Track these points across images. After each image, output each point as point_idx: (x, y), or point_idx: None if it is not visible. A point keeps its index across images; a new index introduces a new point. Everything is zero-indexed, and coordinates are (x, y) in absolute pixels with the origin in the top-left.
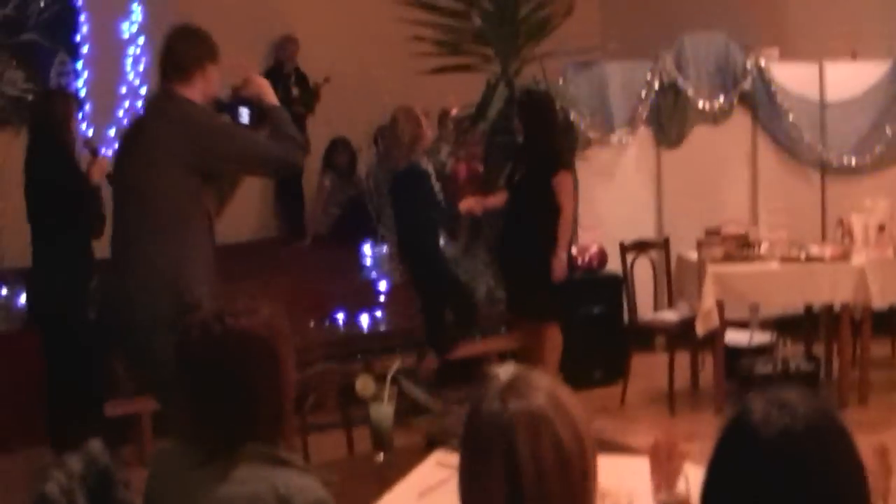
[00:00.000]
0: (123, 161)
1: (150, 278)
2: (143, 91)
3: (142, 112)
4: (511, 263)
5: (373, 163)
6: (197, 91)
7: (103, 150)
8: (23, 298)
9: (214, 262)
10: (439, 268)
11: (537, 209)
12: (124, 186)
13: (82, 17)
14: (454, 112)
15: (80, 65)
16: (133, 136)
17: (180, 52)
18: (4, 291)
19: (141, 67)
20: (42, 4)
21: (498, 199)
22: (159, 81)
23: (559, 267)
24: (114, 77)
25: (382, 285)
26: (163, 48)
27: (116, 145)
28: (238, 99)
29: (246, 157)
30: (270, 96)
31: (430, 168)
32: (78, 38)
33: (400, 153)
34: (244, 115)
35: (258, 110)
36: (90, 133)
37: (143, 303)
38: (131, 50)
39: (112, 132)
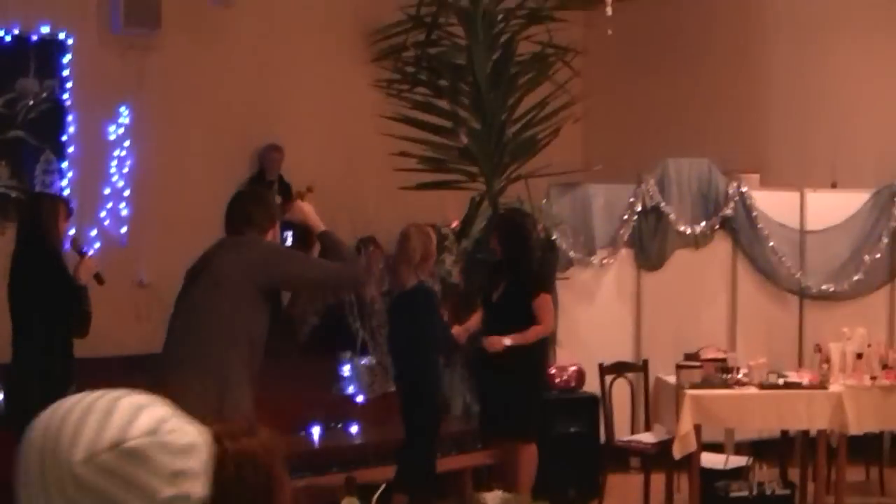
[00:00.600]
0: (190, 286)
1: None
2: (127, 193)
3: (211, 250)
4: (488, 381)
5: None
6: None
7: (88, 250)
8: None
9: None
10: (430, 394)
11: (515, 329)
12: (187, 308)
13: (70, 118)
14: (455, 225)
15: (65, 164)
16: (203, 265)
17: (256, 213)
18: None
19: (126, 170)
20: (31, 102)
21: (476, 321)
22: (228, 233)
23: (495, 342)
24: (98, 178)
25: (360, 398)
26: (237, 209)
27: (185, 278)
28: (284, 224)
29: (312, 277)
30: (316, 221)
31: (436, 287)
32: (64, 137)
33: (408, 271)
34: (288, 237)
35: (302, 234)
36: (72, 233)
37: None
38: (117, 152)
39: (94, 232)
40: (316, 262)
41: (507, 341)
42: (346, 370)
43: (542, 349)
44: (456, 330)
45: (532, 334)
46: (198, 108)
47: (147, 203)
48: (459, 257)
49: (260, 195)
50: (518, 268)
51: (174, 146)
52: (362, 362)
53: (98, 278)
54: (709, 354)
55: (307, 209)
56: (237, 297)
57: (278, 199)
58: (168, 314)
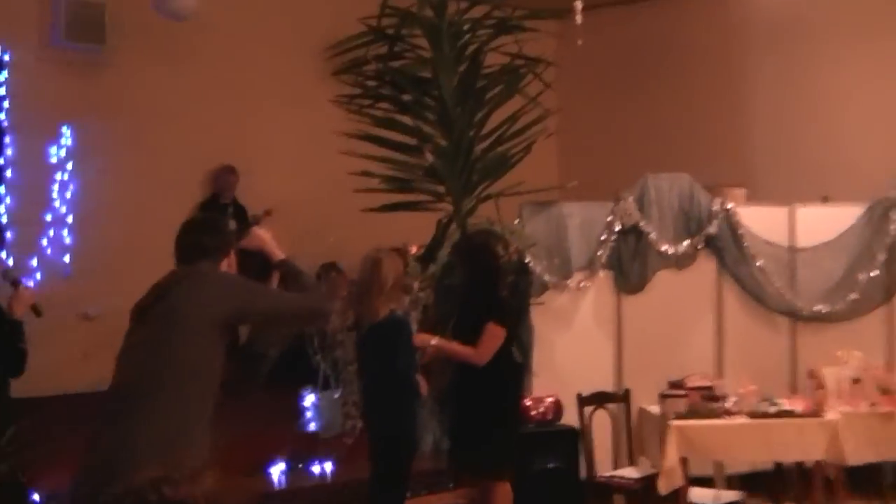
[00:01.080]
0: (139, 323)
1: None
2: (70, 220)
3: (162, 283)
4: (457, 416)
5: None
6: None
7: (25, 282)
8: None
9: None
10: (407, 437)
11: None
12: (136, 347)
13: (7, 139)
14: (413, 251)
15: (2, 189)
16: (153, 300)
17: (209, 242)
18: None
19: (68, 195)
20: None
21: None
22: (179, 263)
23: (421, 339)
24: (39, 204)
25: (324, 435)
26: (188, 238)
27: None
28: (240, 252)
29: (273, 310)
30: (274, 249)
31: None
32: (1, 160)
33: (380, 300)
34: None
35: (259, 263)
36: (10, 263)
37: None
38: (59, 175)
39: (35, 262)
40: (276, 293)
41: (434, 341)
42: (309, 405)
43: (516, 380)
44: (421, 336)
45: (460, 351)
46: (147, 129)
47: (92, 230)
48: (426, 283)
49: (213, 221)
50: (476, 295)
51: (121, 169)
52: (326, 397)
53: (35, 310)
54: (695, 382)
55: (264, 235)
56: (192, 334)
57: (233, 225)
58: (117, 349)
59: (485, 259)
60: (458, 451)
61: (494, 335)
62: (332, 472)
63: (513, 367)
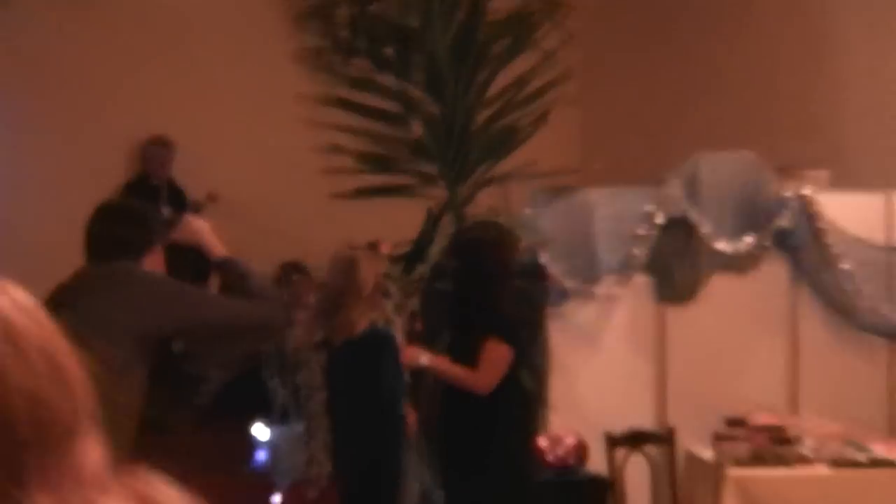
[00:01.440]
0: None
1: None
2: None
3: (68, 287)
4: (447, 461)
5: None
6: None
7: None
8: None
9: None
10: (394, 482)
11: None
12: None
13: None
14: (384, 249)
15: None
16: (57, 309)
17: (129, 233)
18: None
19: None
20: None
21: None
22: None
23: (410, 355)
24: None
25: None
26: (102, 228)
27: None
28: (171, 246)
29: (212, 324)
30: (214, 243)
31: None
32: None
33: (357, 310)
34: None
35: (195, 260)
36: None
37: None
38: None
39: None
40: (219, 301)
41: (425, 359)
42: (262, 443)
43: (526, 414)
44: (411, 351)
45: (459, 375)
46: (55, 89)
47: None
48: (413, 287)
49: (133, 208)
50: (471, 304)
51: (22, 140)
52: (284, 432)
53: None
54: (760, 420)
55: (201, 226)
56: (104, 356)
57: (166, 213)
58: None
59: (489, 258)
60: (452, 497)
61: (499, 356)
62: None
63: (521, 398)
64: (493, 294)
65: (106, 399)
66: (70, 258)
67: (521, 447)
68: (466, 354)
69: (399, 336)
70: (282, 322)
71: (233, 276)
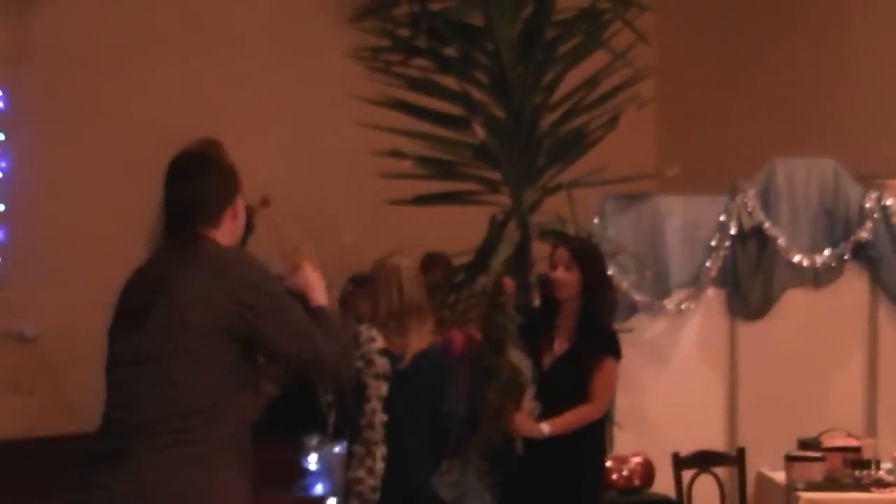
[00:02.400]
0: (132, 328)
1: None
2: (1, 209)
3: (151, 265)
4: (528, 480)
5: None
6: (226, 234)
7: None
8: None
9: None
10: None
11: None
12: (129, 363)
13: None
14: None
15: None
16: (145, 293)
17: (203, 189)
18: None
19: (0, 173)
20: None
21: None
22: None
23: (528, 426)
24: None
25: (332, 501)
26: (176, 189)
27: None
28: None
29: (296, 338)
30: (319, 294)
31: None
32: None
33: (421, 325)
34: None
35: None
36: None
37: None
38: None
39: None
40: (313, 328)
41: (546, 429)
42: (313, 462)
43: (598, 433)
44: (526, 424)
45: (579, 417)
46: (102, 91)
47: (29, 222)
48: (474, 300)
49: (212, 155)
50: (594, 320)
51: (68, 143)
52: (335, 451)
53: None
54: (835, 441)
55: (314, 277)
56: (211, 344)
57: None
58: (60, 379)
59: (606, 274)
60: None
61: (613, 374)
62: None
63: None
64: (607, 309)
65: (234, 397)
66: (122, 265)
67: (595, 467)
68: (580, 372)
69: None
70: (342, 366)
71: (323, 322)
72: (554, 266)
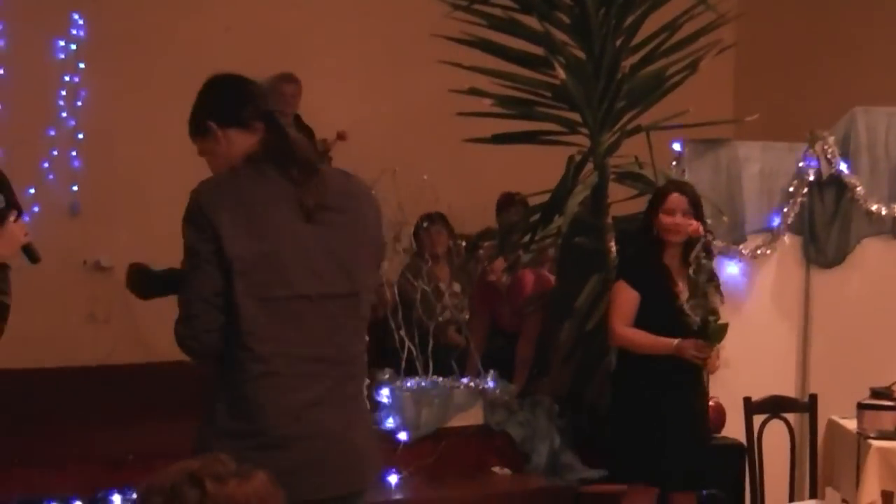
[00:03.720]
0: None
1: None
2: (80, 137)
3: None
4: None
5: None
6: None
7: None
8: None
9: None
10: None
11: None
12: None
13: None
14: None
15: None
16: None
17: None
18: None
19: (78, 103)
20: None
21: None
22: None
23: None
24: (39, 114)
25: (403, 436)
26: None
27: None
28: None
29: None
30: None
31: None
32: None
33: None
34: None
35: None
36: None
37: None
38: (66, 79)
39: (32, 192)
40: None
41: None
42: (384, 396)
43: None
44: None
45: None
46: (181, 26)
47: (108, 152)
48: (551, 240)
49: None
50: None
51: (147, 73)
52: (407, 386)
53: (29, 253)
54: None
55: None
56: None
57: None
58: (134, 311)
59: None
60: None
61: None
62: (408, 487)
63: None
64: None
65: None
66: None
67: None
68: None
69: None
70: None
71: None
72: (671, 211)
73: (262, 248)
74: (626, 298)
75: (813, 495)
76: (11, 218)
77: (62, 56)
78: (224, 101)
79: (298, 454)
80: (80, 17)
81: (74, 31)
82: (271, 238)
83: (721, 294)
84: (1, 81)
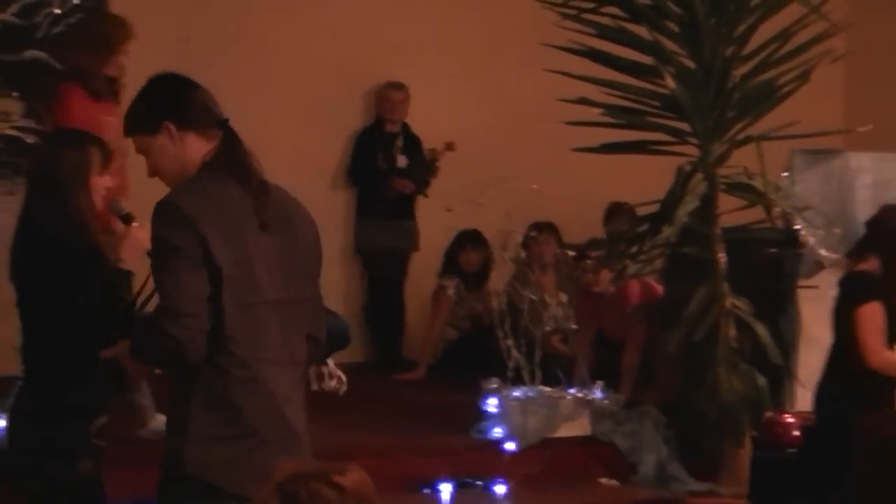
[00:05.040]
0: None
1: None
2: None
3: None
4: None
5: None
6: None
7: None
8: None
9: None
10: None
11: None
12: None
13: None
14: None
15: None
16: (286, 221)
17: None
18: None
19: None
20: (56, 11)
21: None
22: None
23: None
24: None
25: (510, 445)
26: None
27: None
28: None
29: None
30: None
31: None
32: None
33: None
34: None
35: None
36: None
37: None
38: None
39: None
40: None
41: None
42: (492, 406)
43: None
44: None
45: None
46: (283, 30)
47: None
48: (658, 251)
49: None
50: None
51: (250, 81)
52: (514, 395)
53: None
54: None
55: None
56: None
57: (402, 160)
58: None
59: None
60: None
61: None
62: (517, 497)
63: None
64: None
65: None
66: (311, 205)
67: None
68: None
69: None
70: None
71: None
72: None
73: (238, 255)
74: (882, 319)
75: None
76: (135, 224)
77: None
78: (184, 103)
79: (274, 454)
80: (189, 22)
81: (182, 35)
82: (243, 246)
83: None
84: None
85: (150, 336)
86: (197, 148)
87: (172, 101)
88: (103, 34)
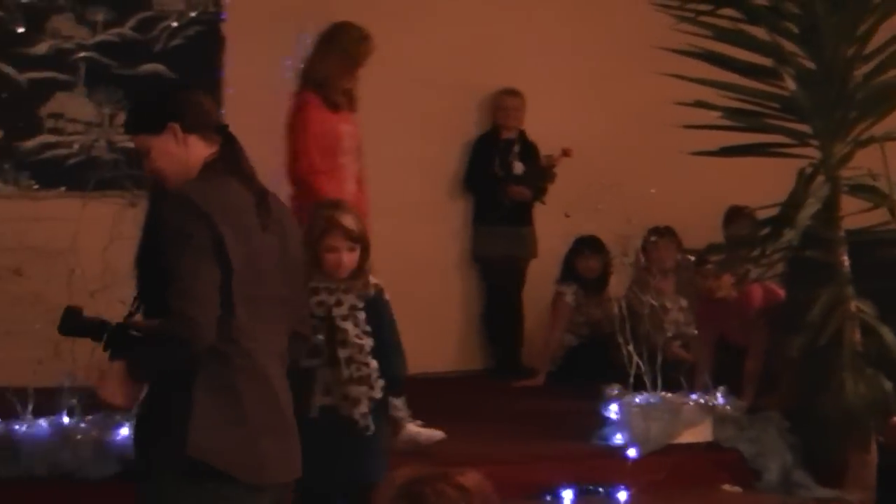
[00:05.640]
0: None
1: None
2: None
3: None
4: None
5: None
6: None
7: None
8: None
9: None
10: None
11: None
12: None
13: (228, 47)
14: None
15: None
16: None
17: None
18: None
19: None
20: (174, 24)
21: None
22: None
23: None
24: (267, 132)
25: (632, 452)
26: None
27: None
28: None
29: None
30: None
31: None
32: (221, 74)
33: None
34: None
35: None
36: None
37: None
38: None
39: None
40: None
41: None
42: (613, 412)
43: None
44: None
45: None
46: (405, 43)
47: None
48: (780, 254)
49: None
50: None
51: (373, 93)
52: (636, 401)
53: None
54: None
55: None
56: None
57: (518, 167)
58: None
59: None
60: None
61: None
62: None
63: None
64: None
65: None
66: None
67: None
68: None
69: None
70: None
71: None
72: None
73: (246, 250)
74: None
75: None
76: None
77: (290, 76)
78: (189, 107)
79: (272, 441)
80: (309, 39)
81: (302, 51)
82: (249, 242)
83: None
84: (232, 100)
85: (157, 335)
86: (199, 151)
87: (179, 104)
88: (351, 49)
